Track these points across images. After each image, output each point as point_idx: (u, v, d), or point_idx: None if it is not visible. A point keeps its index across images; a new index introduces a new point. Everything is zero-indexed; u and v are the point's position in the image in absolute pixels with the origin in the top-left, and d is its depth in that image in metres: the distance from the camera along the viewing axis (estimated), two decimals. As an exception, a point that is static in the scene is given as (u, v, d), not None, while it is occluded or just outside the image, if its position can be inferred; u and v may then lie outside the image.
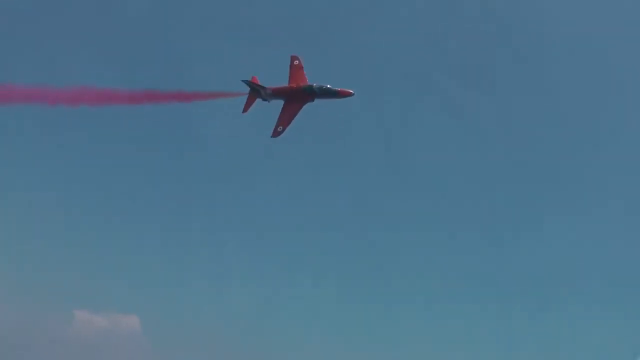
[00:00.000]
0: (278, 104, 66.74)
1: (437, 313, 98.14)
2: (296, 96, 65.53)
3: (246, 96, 67.31)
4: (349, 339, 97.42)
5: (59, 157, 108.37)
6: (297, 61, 69.86)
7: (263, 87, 66.20)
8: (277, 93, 66.55)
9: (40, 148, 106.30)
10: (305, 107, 64.87)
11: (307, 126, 66.03)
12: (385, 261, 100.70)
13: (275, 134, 63.66)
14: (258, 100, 67.51)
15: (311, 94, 64.77)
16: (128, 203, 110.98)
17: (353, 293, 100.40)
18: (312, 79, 67.45)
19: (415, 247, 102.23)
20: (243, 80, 65.94)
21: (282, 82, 68.54)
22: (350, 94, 64.39)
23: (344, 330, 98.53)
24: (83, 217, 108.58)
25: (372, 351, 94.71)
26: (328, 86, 64.44)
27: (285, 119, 64.22)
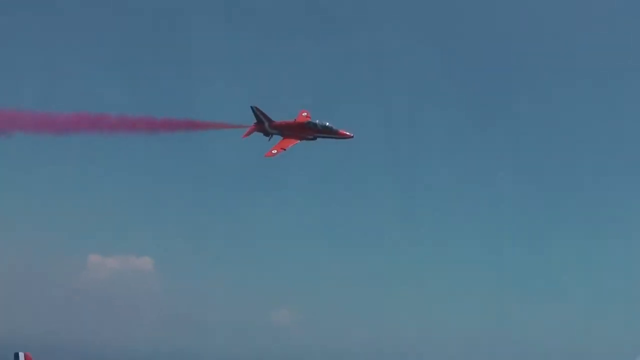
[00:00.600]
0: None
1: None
2: (298, 130, 67.61)
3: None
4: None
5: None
6: (306, 113, 73.09)
7: (268, 119, 68.41)
8: (280, 127, 68.57)
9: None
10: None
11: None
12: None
13: (269, 154, 64.67)
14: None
15: (313, 129, 66.82)
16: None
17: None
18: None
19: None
20: (251, 106, 68.40)
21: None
22: (349, 137, 66.47)
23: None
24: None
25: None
26: (328, 124, 66.72)
27: (282, 145, 65.67)
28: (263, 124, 68.59)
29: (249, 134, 68.97)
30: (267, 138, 68.97)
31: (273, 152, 65.06)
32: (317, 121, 67.42)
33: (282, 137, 68.07)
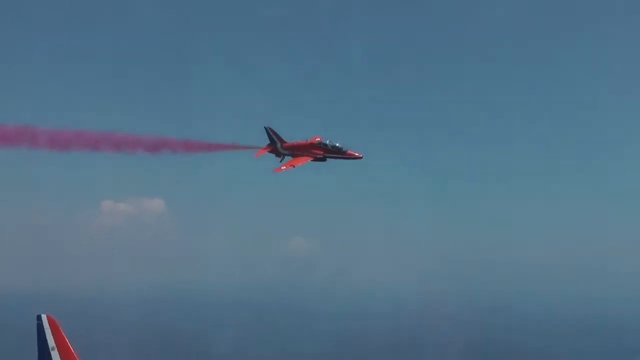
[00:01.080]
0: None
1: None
2: (308, 150, 68.73)
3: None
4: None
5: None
6: (319, 139, 74.31)
7: (280, 139, 70.01)
8: (291, 148, 69.92)
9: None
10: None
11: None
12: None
13: (278, 170, 65.82)
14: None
15: (323, 148, 67.87)
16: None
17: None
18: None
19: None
20: (265, 127, 70.22)
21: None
22: (358, 157, 67.26)
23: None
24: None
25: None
26: (338, 144, 67.77)
27: (292, 163, 66.90)
28: (275, 145, 70.08)
29: (261, 153, 70.42)
30: (279, 159, 70.09)
31: (282, 168, 66.24)
32: (327, 141, 68.52)
33: (292, 157, 69.28)
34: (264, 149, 70.78)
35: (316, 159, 68.62)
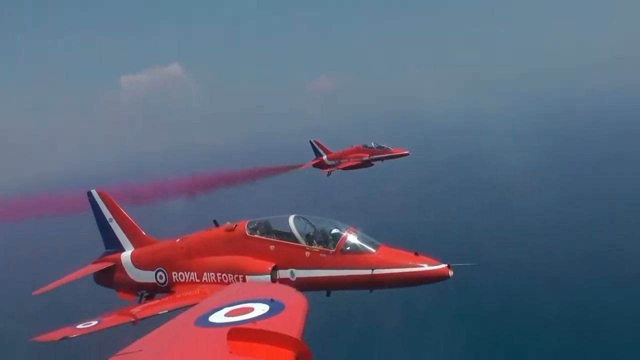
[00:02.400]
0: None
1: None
2: (354, 153, 69.19)
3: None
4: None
5: None
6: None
7: (326, 150, 71.28)
8: (337, 156, 70.71)
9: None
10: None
11: None
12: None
13: (323, 172, 66.60)
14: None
15: (369, 150, 68.15)
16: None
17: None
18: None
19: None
20: (310, 141, 71.93)
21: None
22: (405, 154, 67.10)
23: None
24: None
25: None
26: (385, 145, 67.97)
27: (338, 167, 67.36)
28: (322, 157, 71.10)
29: (308, 164, 71.36)
30: (327, 173, 70.17)
31: (329, 172, 66.78)
32: (372, 143, 68.73)
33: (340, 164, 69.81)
34: (312, 162, 71.78)
35: (363, 163, 68.63)
